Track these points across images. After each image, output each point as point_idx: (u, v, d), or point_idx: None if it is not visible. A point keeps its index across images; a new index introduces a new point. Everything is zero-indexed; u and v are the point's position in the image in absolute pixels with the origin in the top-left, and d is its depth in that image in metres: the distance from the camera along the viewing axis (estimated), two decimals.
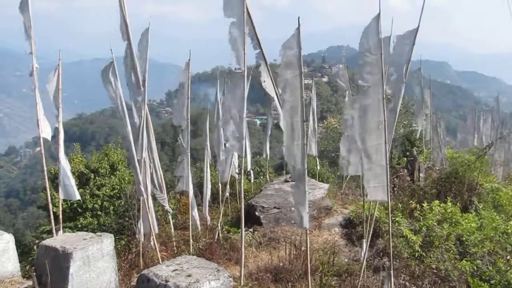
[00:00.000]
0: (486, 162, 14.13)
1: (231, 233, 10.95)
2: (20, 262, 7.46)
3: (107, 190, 13.18)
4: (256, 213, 11.56)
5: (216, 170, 12.81)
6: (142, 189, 8.37)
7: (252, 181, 15.10)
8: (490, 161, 16.48)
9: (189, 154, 9.94)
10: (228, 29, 7.27)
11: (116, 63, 8.04)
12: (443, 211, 10.07)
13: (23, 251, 11.28)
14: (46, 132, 8.34)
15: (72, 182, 8.56)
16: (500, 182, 14.68)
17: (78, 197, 8.78)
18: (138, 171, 8.32)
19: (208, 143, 11.31)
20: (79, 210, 12.71)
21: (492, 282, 8.56)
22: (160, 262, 8.05)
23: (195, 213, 10.38)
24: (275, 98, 10.11)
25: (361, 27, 7.39)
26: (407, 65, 7.58)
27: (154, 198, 9.61)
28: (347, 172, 8.70)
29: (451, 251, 9.22)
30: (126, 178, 13.62)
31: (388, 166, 7.27)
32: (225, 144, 10.78)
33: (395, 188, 12.41)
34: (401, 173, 13.70)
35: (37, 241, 9.68)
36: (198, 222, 10.48)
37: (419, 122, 19.45)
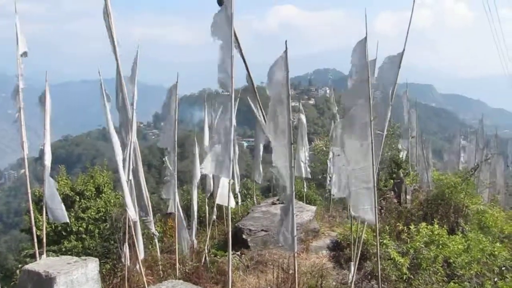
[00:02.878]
0: (472, 184, 14.26)
1: (218, 257, 10.82)
2: (2, 286, 7.29)
3: (92, 213, 13.03)
4: (244, 236, 11.46)
5: (204, 193, 12.72)
6: (131, 210, 8.25)
7: (239, 203, 15.00)
8: (476, 183, 16.64)
9: (175, 176, 9.88)
10: (218, 51, 7.29)
11: (104, 85, 8.00)
12: (430, 233, 10.09)
13: (5, 275, 11.05)
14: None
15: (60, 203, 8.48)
16: (486, 204, 14.79)
17: (66, 219, 8.69)
18: (128, 192, 8.21)
19: (197, 165, 11.23)
20: (64, 233, 12.52)
21: None
22: (146, 286, 7.91)
23: (185, 233, 10.29)
24: (261, 120, 10.16)
25: (347, 51, 7.51)
26: (393, 88, 7.67)
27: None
28: (337, 194, 8.69)
29: (439, 274, 9.22)
30: (112, 201, 13.49)
31: (375, 188, 7.29)
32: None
33: (382, 210, 12.42)
34: (388, 195, 13.75)
35: (19, 265, 9.48)
36: (186, 243, 10.37)
37: (405, 145, 19.63)
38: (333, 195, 11.78)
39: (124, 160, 8.37)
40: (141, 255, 8.70)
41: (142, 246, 9.00)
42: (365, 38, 7.14)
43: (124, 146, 8.49)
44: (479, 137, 25.07)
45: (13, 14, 8.04)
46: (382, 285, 8.31)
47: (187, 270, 9.51)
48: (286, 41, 6.91)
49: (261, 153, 16.12)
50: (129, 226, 8.47)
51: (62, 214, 8.55)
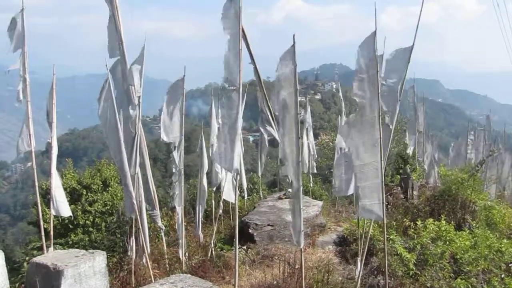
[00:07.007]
0: (479, 180, 14.19)
1: (224, 251, 10.84)
2: (9, 279, 7.31)
3: (99, 206, 13.03)
4: (250, 231, 11.47)
5: (210, 188, 12.70)
6: (135, 203, 8.25)
7: (245, 198, 15.00)
8: (483, 179, 16.56)
9: (182, 171, 9.89)
10: (225, 46, 7.23)
11: (110, 79, 7.99)
12: (437, 229, 10.06)
13: (13, 267, 11.06)
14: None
15: (63, 198, 8.49)
16: (493, 199, 14.72)
17: (69, 213, 8.71)
18: (131, 188, 8.21)
19: (205, 159, 11.21)
20: (70, 226, 12.55)
21: None
22: (153, 280, 7.93)
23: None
24: (268, 114, 10.11)
25: (354, 45, 7.45)
26: (402, 83, 7.61)
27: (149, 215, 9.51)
28: (343, 193, 8.66)
29: (446, 270, 9.18)
30: (119, 194, 13.49)
31: (383, 183, 7.26)
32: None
33: (388, 206, 12.39)
34: (394, 191, 13.71)
35: (27, 258, 9.52)
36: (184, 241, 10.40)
37: (411, 140, 19.53)
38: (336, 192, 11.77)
39: (130, 154, 8.38)
40: (147, 249, 8.72)
41: (148, 239, 9.02)
42: (375, 32, 7.08)
43: (129, 140, 8.50)
44: (486, 133, 24.91)
45: (18, 7, 8.07)
46: (389, 280, 8.29)
47: (193, 264, 9.53)
48: (294, 35, 6.86)
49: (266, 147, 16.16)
50: (135, 220, 8.49)
51: (66, 208, 8.58)
